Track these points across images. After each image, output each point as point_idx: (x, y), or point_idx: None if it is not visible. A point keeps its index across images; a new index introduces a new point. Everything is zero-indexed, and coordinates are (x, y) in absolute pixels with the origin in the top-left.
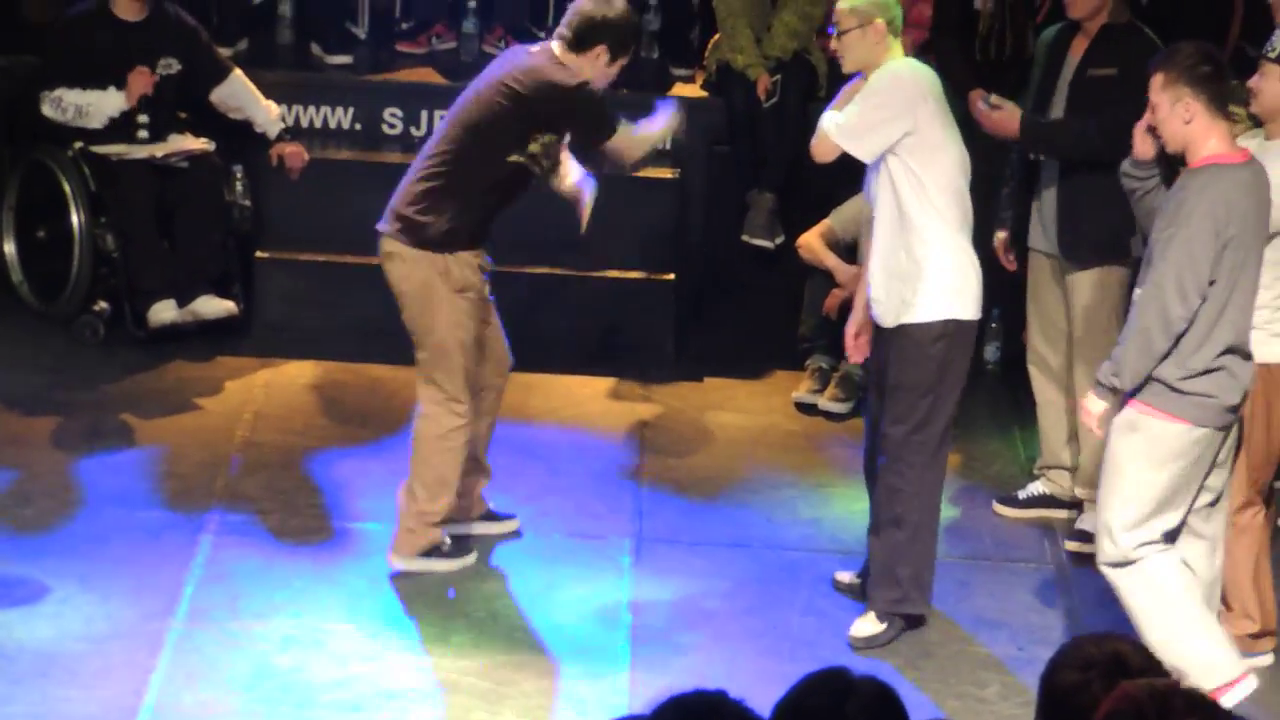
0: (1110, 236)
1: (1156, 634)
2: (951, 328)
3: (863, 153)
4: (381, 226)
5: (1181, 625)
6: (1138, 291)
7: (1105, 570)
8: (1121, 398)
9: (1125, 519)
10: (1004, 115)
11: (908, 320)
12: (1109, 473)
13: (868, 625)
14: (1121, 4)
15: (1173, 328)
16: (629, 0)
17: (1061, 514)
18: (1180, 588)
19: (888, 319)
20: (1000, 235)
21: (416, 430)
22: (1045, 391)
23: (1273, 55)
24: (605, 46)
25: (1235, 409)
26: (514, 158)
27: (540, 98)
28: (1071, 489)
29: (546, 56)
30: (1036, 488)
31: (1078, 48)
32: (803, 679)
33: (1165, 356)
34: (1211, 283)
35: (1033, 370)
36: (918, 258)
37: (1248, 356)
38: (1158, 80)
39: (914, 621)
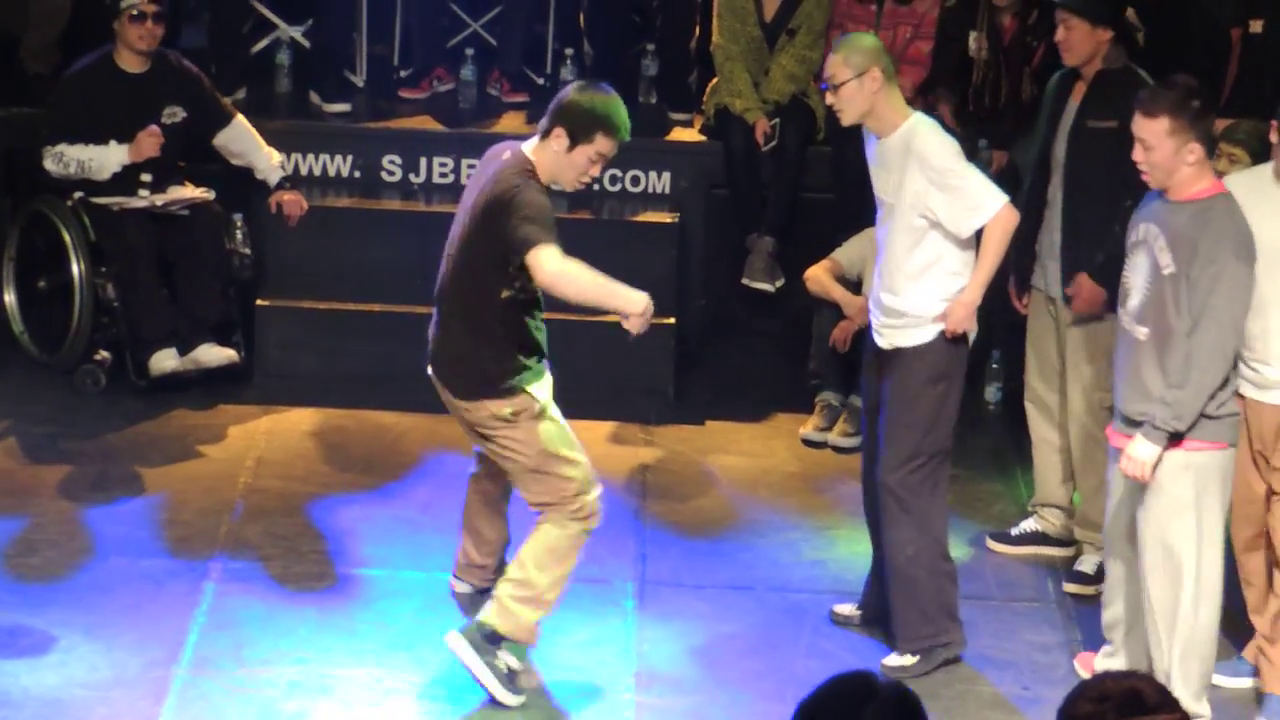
0: (1108, 287)
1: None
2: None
3: (1001, 197)
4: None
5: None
6: (1141, 330)
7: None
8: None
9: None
10: (1089, 294)
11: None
12: (1176, 529)
13: (901, 659)
14: (1117, 49)
15: (1232, 363)
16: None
17: (1054, 551)
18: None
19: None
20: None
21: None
22: (1041, 430)
23: None
24: (563, 130)
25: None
26: (506, 293)
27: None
28: (1063, 527)
29: (516, 162)
30: (1029, 524)
31: (1078, 94)
32: (827, 680)
33: None
34: None
35: (1030, 408)
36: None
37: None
38: (1162, 125)
39: (951, 659)
